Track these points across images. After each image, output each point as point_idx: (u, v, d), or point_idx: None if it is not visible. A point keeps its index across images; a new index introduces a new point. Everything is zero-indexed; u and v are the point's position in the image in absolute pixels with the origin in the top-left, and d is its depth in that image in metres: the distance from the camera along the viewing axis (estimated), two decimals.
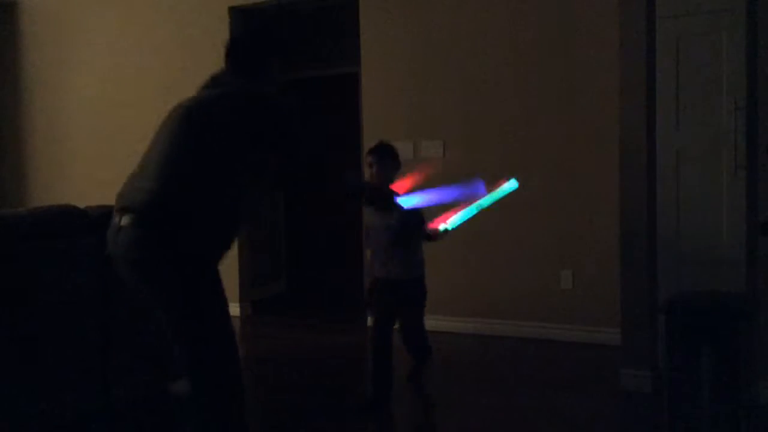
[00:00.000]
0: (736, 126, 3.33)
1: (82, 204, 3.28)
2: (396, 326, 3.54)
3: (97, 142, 6.27)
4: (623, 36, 3.55)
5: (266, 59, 2.64)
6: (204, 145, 2.31)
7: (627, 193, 3.58)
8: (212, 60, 5.64)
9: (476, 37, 4.80)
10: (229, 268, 5.55)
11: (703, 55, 3.39)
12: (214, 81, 2.53)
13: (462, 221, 3.36)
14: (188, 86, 2.56)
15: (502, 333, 4.75)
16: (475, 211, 3.35)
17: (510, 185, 3.42)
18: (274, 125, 2.43)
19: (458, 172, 4.86)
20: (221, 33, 5.55)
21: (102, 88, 6.21)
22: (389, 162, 3.46)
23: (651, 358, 3.52)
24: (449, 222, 3.34)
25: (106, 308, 3.17)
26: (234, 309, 5.72)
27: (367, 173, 3.52)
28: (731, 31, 3.32)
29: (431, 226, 3.36)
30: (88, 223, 3.13)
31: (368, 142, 5.21)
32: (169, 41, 5.82)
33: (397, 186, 3.37)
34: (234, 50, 2.58)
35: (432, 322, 4.91)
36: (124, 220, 2.26)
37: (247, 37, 2.67)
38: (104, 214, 3.21)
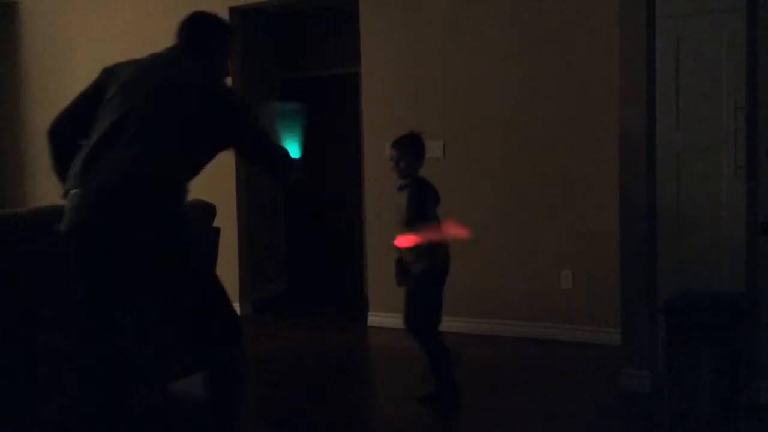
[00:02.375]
0: (736, 126, 3.33)
1: None
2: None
3: None
4: (623, 36, 3.55)
5: (222, 45, 2.64)
6: (177, 132, 2.37)
7: (627, 193, 3.58)
8: None
9: (476, 37, 4.80)
10: (229, 267, 5.55)
11: (703, 55, 3.39)
12: (173, 59, 2.54)
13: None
14: None
15: (502, 333, 4.75)
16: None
17: None
18: (235, 126, 2.48)
19: (458, 172, 4.87)
20: None
21: None
22: (411, 156, 3.45)
23: (651, 358, 3.51)
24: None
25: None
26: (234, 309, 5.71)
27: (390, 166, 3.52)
28: (731, 31, 3.32)
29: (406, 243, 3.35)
30: None
31: (368, 142, 5.23)
32: (169, 41, 5.81)
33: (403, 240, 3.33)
34: (192, 28, 2.61)
35: None
36: (102, 185, 2.29)
37: (206, 18, 2.66)
38: None
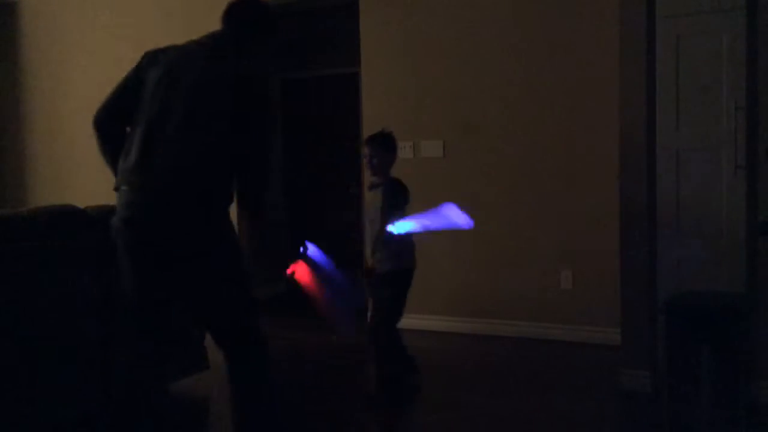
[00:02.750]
0: (736, 126, 3.33)
1: (82, 204, 3.28)
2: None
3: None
4: (623, 36, 3.55)
5: (268, 33, 2.59)
6: (222, 129, 2.35)
7: (627, 192, 3.58)
8: None
9: (476, 37, 4.80)
10: None
11: (703, 55, 3.39)
12: (216, 50, 2.47)
13: (407, 230, 3.36)
14: None
15: (502, 333, 4.74)
16: (419, 229, 3.35)
17: (463, 223, 3.41)
18: (256, 128, 2.41)
19: (458, 172, 4.87)
20: None
21: (102, 88, 6.16)
22: (383, 153, 3.53)
23: (651, 358, 3.51)
24: (397, 226, 3.35)
25: (106, 308, 3.16)
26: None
27: (364, 164, 3.60)
28: (731, 31, 3.32)
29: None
30: (88, 223, 3.12)
31: None
32: (169, 41, 5.81)
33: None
34: (239, 15, 2.54)
35: (432, 322, 4.93)
36: (156, 186, 2.28)
37: (255, 5, 2.58)
38: (104, 213, 3.21)
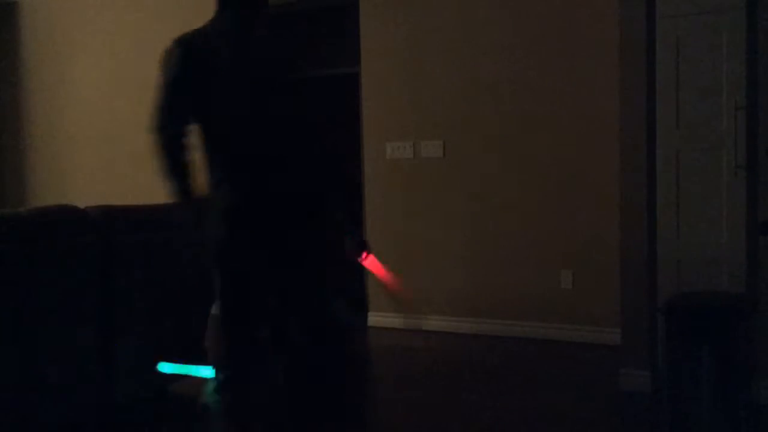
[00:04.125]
0: (736, 126, 3.32)
1: (82, 204, 3.28)
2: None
3: (97, 141, 6.27)
4: (623, 36, 3.55)
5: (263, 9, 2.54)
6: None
7: (627, 193, 3.58)
8: None
9: (476, 37, 4.80)
10: None
11: (703, 55, 3.39)
12: (242, 28, 2.42)
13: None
14: None
15: (502, 333, 4.74)
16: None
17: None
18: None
19: (458, 172, 4.87)
20: None
21: (102, 88, 6.21)
22: None
23: (651, 358, 3.51)
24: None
25: (106, 308, 3.16)
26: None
27: None
28: (731, 31, 3.32)
29: None
30: (88, 223, 3.12)
31: (368, 142, 5.23)
32: (168, 41, 5.81)
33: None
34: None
35: (432, 322, 4.93)
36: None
37: None
38: (104, 213, 3.21)
